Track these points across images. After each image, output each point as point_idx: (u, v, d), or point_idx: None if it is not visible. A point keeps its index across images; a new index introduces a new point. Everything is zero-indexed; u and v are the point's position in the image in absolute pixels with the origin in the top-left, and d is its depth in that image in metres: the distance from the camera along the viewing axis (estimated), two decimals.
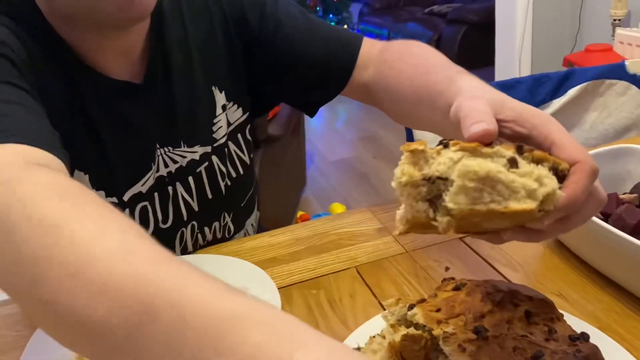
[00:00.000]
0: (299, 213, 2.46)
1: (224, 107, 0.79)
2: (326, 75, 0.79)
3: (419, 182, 0.41)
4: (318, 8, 4.78)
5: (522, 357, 0.44)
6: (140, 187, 0.73)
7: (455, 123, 0.48)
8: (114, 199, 0.71)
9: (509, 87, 1.04)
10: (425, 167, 0.41)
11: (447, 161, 0.40)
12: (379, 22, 4.91)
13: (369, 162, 3.07)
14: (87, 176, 0.69)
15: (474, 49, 3.53)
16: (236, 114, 0.82)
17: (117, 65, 0.69)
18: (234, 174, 0.83)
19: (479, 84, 0.55)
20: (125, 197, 0.72)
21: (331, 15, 4.87)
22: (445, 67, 0.65)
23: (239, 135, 0.83)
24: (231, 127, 0.81)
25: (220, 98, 0.79)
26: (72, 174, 0.66)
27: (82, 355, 0.42)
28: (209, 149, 0.79)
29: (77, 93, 0.66)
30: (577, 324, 0.52)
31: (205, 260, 0.74)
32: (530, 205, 0.39)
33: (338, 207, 2.50)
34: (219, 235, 0.84)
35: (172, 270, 0.33)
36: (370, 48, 0.78)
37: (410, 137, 1.03)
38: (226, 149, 0.81)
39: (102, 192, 0.70)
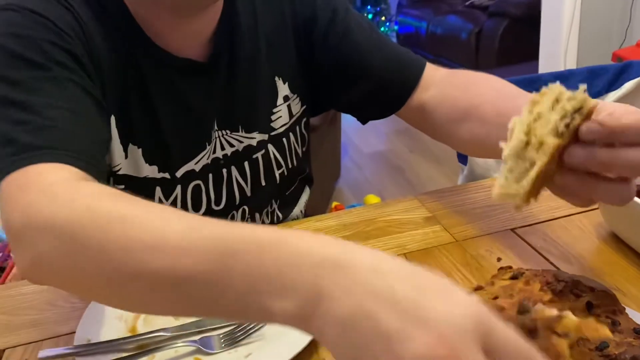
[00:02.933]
0: (334, 203, 2.46)
1: (285, 98, 0.80)
2: (386, 91, 0.79)
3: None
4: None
5: (586, 348, 0.43)
6: (194, 165, 0.74)
7: None
8: (167, 175, 0.73)
9: (562, 78, 1.01)
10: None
11: None
12: (417, 15, 4.84)
13: (404, 155, 3.05)
14: (140, 150, 0.70)
15: (516, 42, 3.46)
16: (298, 106, 0.82)
17: (184, 46, 0.70)
18: (290, 165, 0.83)
19: None
20: (178, 174, 0.73)
21: (369, 7, 4.85)
22: (525, 94, 0.66)
23: (298, 128, 0.84)
24: (293, 119, 0.82)
25: (282, 89, 0.79)
26: (125, 148, 0.69)
27: (160, 312, 0.51)
28: (266, 137, 0.79)
29: (137, 67, 0.68)
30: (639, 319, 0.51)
31: None
32: None
33: (373, 199, 2.49)
34: (267, 222, 0.85)
35: (239, 225, 0.38)
36: (433, 71, 0.79)
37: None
38: (284, 139, 0.81)
39: (155, 167, 0.72)
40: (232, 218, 0.80)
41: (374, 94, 0.80)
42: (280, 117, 0.80)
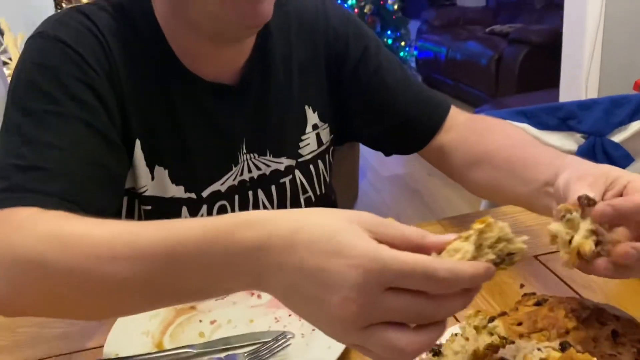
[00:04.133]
0: None
1: (314, 127, 0.82)
2: (410, 130, 0.82)
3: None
4: (377, 24, 4.81)
5: None
6: (220, 185, 0.76)
7: (561, 193, 0.54)
8: (193, 195, 0.74)
9: (585, 108, 1.02)
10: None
11: None
12: (437, 40, 4.88)
13: (422, 179, 3.05)
14: (166, 171, 0.72)
15: (536, 70, 3.46)
16: (327, 135, 0.84)
17: (217, 71, 0.72)
18: (317, 192, 0.85)
19: (582, 160, 0.60)
20: (204, 194, 0.75)
21: (389, 32, 4.89)
22: (538, 143, 0.69)
23: (327, 156, 0.86)
24: (322, 147, 0.84)
25: (312, 117, 0.81)
26: (151, 170, 0.71)
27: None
28: (293, 162, 0.81)
29: (166, 91, 0.70)
30: None
31: None
32: None
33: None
34: None
35: (186, 224, 0.45)
36: (456, 114, 0.81)
37: None
38: (311, 166, 0.83)
39: (182, 187, 0.73)
40: None
41: (397, 132, 0.82)
42: (309, 144, 0.82)
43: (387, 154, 0.88)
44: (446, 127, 0.80)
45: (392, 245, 0.38)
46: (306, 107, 0.81)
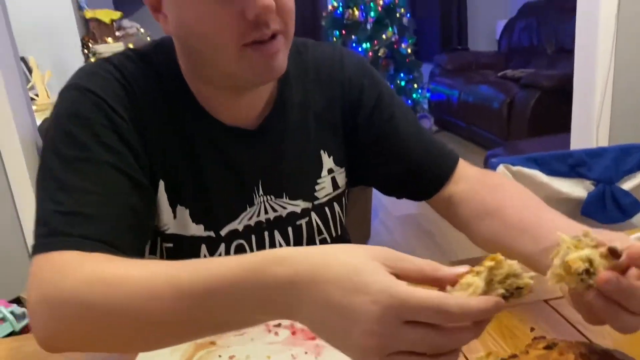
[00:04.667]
0: None
1: (330, 171, 0.85)
2: (419, 179, 0.85)
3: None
4: (390, 67, 4.91)
5: None
6: (237, 224, 0.79)
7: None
8: (212, 233, 0.77)
9: (594, 155, 1.05)
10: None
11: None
12: (449, 83, 4.96)
13: (435, 220, 3.06)
14: (187, 210, 0.75)
15: (548, 114, 3.50)
16: (343, 179, 0.87)
17: (236, 116, 0.77)
18: (333, 234, 0.87)
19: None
20: (222, 232, 0.78)
21: (402, 74, 4.98)
22: (550, 208, 0.72)
23: (343, 199, 0.88)
24: (338, 190, 0.87)
25: (327, 162, 0.85)
26: (174, 209, 0.75)
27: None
28: (310, 205, 0.84)
29: (188, 134, 0.74)
30: None
31: None
32: None
33: None
34: None
35: (220, 264, 0.49)
36: (465, 166, 0.85)
37: None
38: (327, 209, 0.86)
39: (201, 226, 0.77)
40: None
41: (407, 180, 0.85)
42: (324, 187, 0.85)
43: (399, 197, 0.91)
44: (455, 178, 0.83)
45: (409, 278, 0.42)
46: (322, 151, 0.84)
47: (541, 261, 0.64)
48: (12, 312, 1.65)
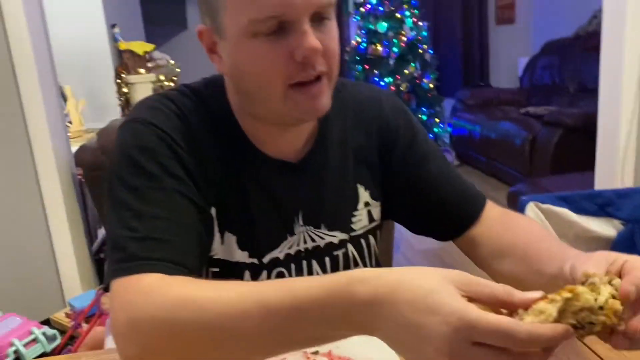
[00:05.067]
0: None
1: (366, 204, 0.89)
2: (448, 220, 0.88)
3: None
4: (412, 102, 4.96)
5: None
6: (278, 253, 0.82)
7: (568, 278, 0.61)
8: (255, 260, 0.81)
9: (623, 196, 1.06)
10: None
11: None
12: (471, 119, 4.99)
13: (456, 254, 3.02)
14: (234, 237, 0.79)
15: (571, 153, 3.50)
16: (378, 212, 0.90)
17: (280, 150, 0.81)
18: (368, 265, 0.90)
19: (581, 252, 0.68)
20: (265, 260, 0.81)
21: (424, 109, 5.04)
22: (551, 238, 0.78)
23: (378, 232, 0.92)
24: (373, 223, 0.90)
25: (364, 196, 0.88)
26: (222, 236, 0.79)
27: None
28: (346, 236, 0.87)
29: (237, 165, 0.79)
30: None
31: None
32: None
33: None
34: None
35: (304, 285, 0.53)
36: (490, 208, 0.88)
37: None
38: (363, 240, 0.89)
39: (246, 253, 0.80)
40: None
41: (434, 220, 0.88)
42: (360, 220, 0.88)
43: (425, 236, 0.93)
44: (480, 220, 0.86)
45: (481, 301, 0.46)
46: (358, 185, 0.88)
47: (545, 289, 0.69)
48: (44, 334, 1.69)
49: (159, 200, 0.69)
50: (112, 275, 0.64)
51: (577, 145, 3.42)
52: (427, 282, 0.47)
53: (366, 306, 0.48)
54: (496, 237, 0.83)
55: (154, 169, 0.70)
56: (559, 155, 3.59)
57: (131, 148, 0.72)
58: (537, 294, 0.47)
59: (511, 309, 0.47)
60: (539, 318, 0.45)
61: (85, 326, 1.76)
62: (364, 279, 0.49)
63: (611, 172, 2.62)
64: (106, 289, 0.66)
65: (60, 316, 1.99)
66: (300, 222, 0.84)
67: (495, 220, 0.86)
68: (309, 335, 0.53)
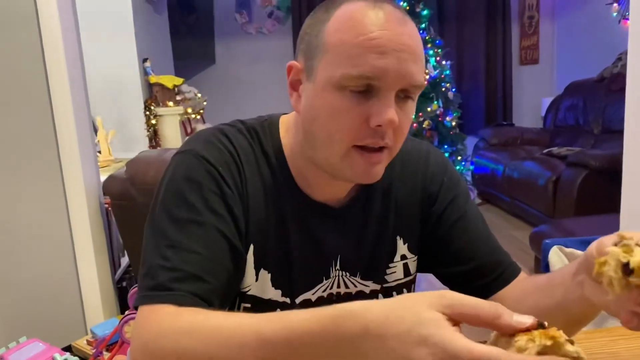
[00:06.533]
0: None
1: (403, 257, 0.89)
2: (479, 281, 0.87)
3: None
4: (435, 139, 4.98)
5: None
6: (311, 294, 0.83)
7: (595, 254, 0.61)
8: (287, 299, 0.82)
9: None
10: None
11: None
12: (494, 157, 4.99)
13: None
14: (269, 275, 0.81)
15: (595, 194, 3.47)
16: (415, 266, 0.91)
17: (325, 195, 0.83)
18: None
19: None
20: (297, 300, 0.83)
21: (446, 146, 5.04)
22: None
23: (412, 285, 0.92)
24: (409, 277, 0.90)
25: (402, 248, 0.89)
26: (257, 272, 0.80)
27: None
28: (379, 287, 0.88)
29: (281, 206, 0.81)
30: None
31: None
32: None
33: None
34: None
35: (302, 317, 0.54)
36: (520, 276, 0.88)
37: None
38: (395, 293, 0.89)
39: (279, 291, 0.81)
40: None
41: (466, 279, 0.88)
42: (395, 272, 0.89)
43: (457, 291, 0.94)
44: (511, 284, 0.86)
45: (468, 323, 0.47)
46: (398, 237, 0.88)
47: (568, 297, 0.71)
48: None
49: (196, 234, 0.71)
50: (139, 302, 0.67)
51: (602, 186, 3.39)
52: (414, 315, 0.47)
53: (355, 341, 0.49)
54: (522, 299, 0.82)
55: (197, 202, 0.73)
56: (583, 197, 3.55)
57: (179, 178, 0.75)
58: (528, 318, 0.48)
59: (497, 330, 0.48)
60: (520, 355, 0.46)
61: (106, 354, 1.77)
62: (353, 313, 0.50)
63: (637, 215, 2.58)
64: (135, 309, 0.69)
65: (81, 343, 2.01)
66: (337, 266, 0.85)
67: (517, 286, 0.86)
68: None
